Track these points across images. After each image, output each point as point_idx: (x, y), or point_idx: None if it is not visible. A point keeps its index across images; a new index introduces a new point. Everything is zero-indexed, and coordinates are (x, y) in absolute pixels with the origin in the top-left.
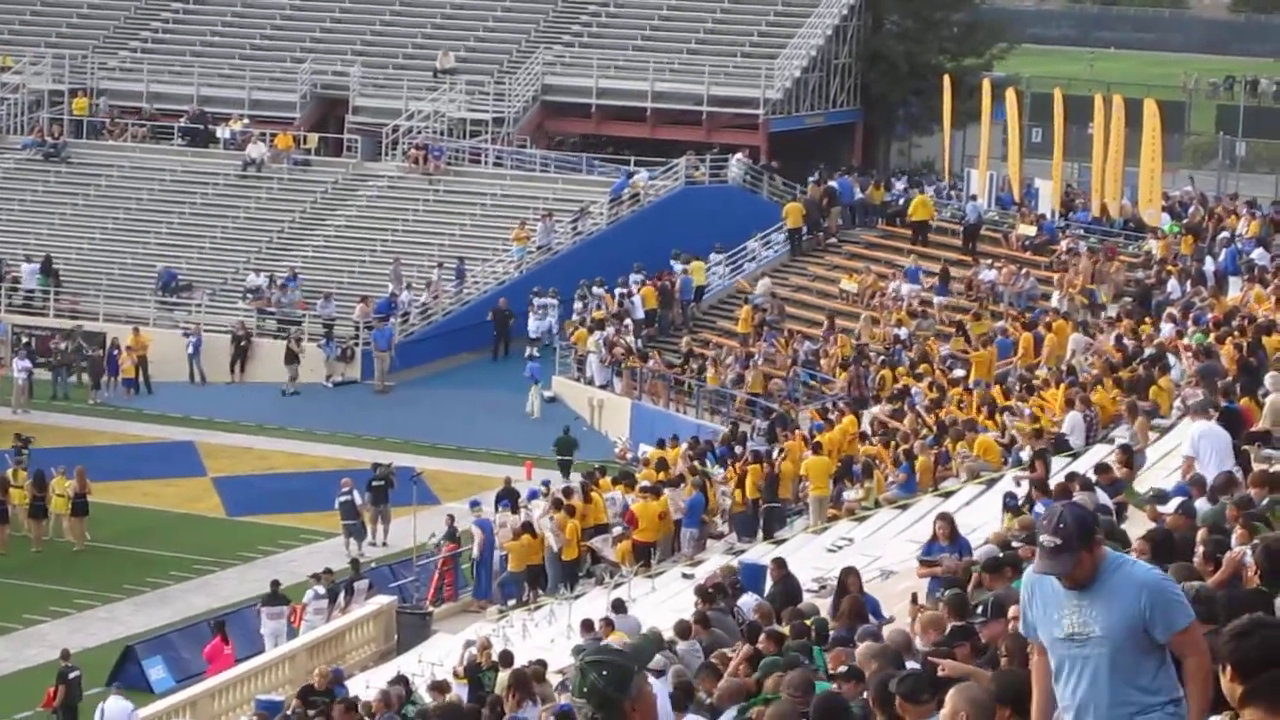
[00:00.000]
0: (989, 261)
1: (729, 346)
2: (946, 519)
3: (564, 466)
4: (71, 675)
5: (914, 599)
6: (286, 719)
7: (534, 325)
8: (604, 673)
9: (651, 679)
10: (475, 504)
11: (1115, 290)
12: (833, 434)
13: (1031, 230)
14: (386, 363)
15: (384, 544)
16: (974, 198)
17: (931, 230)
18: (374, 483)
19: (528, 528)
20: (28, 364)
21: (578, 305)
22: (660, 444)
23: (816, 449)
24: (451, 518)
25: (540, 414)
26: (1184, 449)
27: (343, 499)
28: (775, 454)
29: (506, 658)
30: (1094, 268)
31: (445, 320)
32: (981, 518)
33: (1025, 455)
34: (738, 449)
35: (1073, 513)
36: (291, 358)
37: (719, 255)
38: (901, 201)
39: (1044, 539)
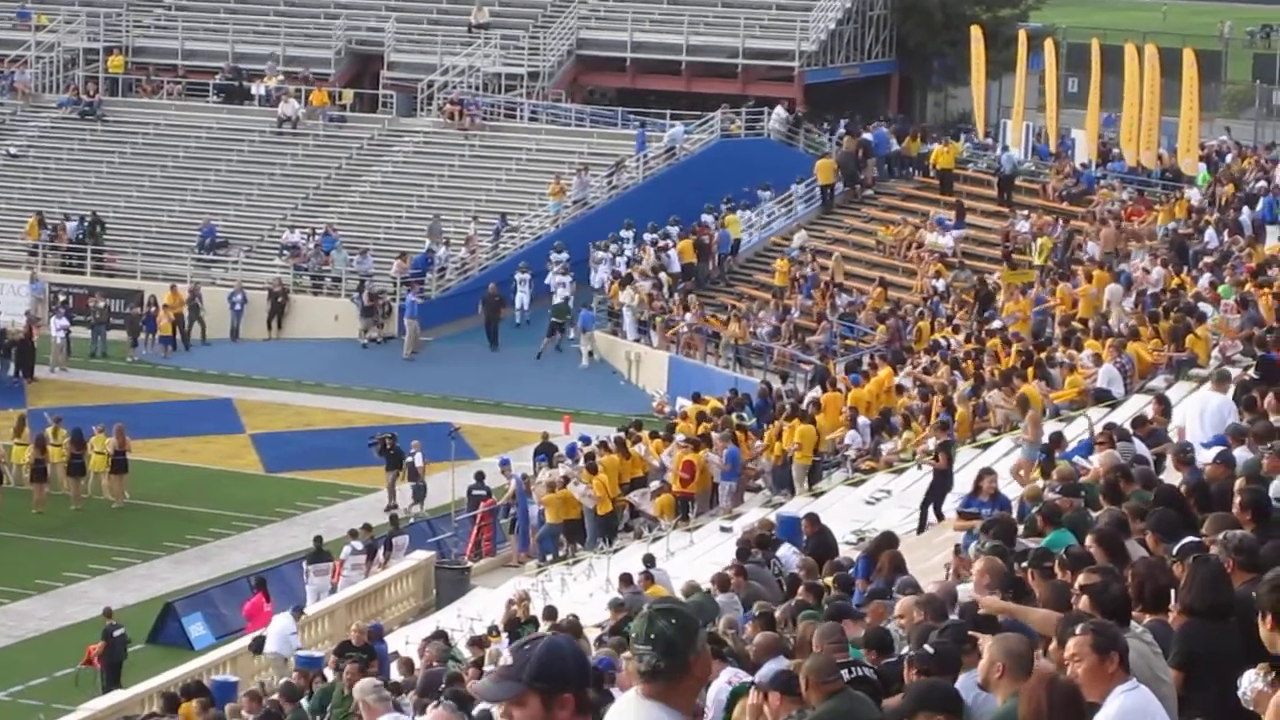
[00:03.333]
0: (1024, 212)
1: (761, 299)
2: (992, 475)
3: (553, 328)
4: (116, 633)
5: (956, 550)
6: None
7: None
8: (673, 621)
9: None
10: (505, 463)
11: (1150, 240)
12: (868, 387)
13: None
14: (415, 329)
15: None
16: (1006, 148)
17: (958, 179)
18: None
19: (566, 482)
20: (65, 322)
21: (597, 255)
22: (696, 398)
23: (805, 417)
24: (480, 474)
25: (588, 364)
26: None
27: (410, 460)
28: (812, 408)
29: (550, 612)
30: (1129, 218)
31: (482, 275)
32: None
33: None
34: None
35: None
36: (368, 311)
37: (753, 207)
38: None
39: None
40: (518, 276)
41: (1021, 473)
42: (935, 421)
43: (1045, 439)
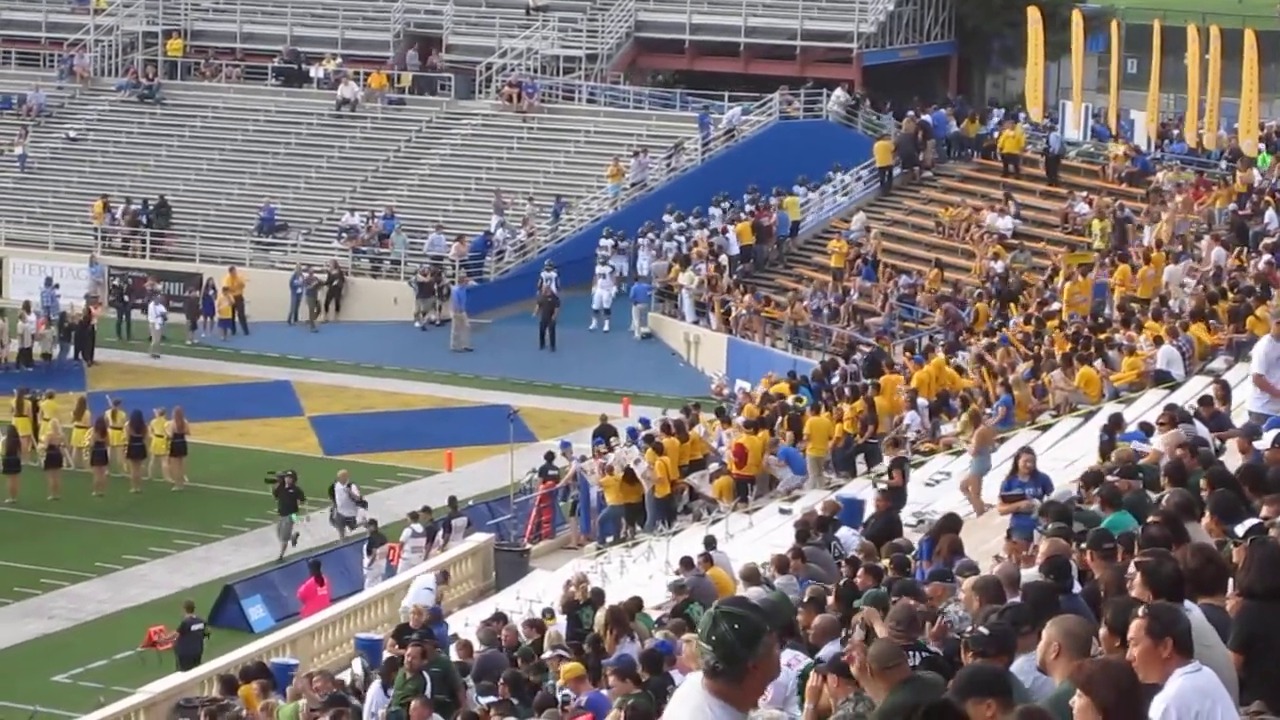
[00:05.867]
0: (1083, 194)
1: (819, 281)
2: (1030, 453)
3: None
4: (194, 627)
5: (1009, 535)
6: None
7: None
8: (735, 626)
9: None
10: (566, 445)
11: (1210, 221)
12: (927, 369)
13: (1121, 149)
14: (465, 322)
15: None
16: (1052, 128)
17: (1022, 163)
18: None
19: (623, 468)
20: (162, 309)
21: (644, 241)
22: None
23: (816, 410)
24: (550, 455)
25: (641, 337)
26: (1253, 365)
27: (341, 487)
28: (870, 389)
29: (598, 596)
30: (1189, 199)
31: (540, 257)
32: (1078, 450)
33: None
34: (833, 384)
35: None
36: (426, 291)
37: (803, 189)
38: (995, 135)
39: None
40: (598, 270)
41: (970, 489)
42: (890, 436)
43: (1105, 419)
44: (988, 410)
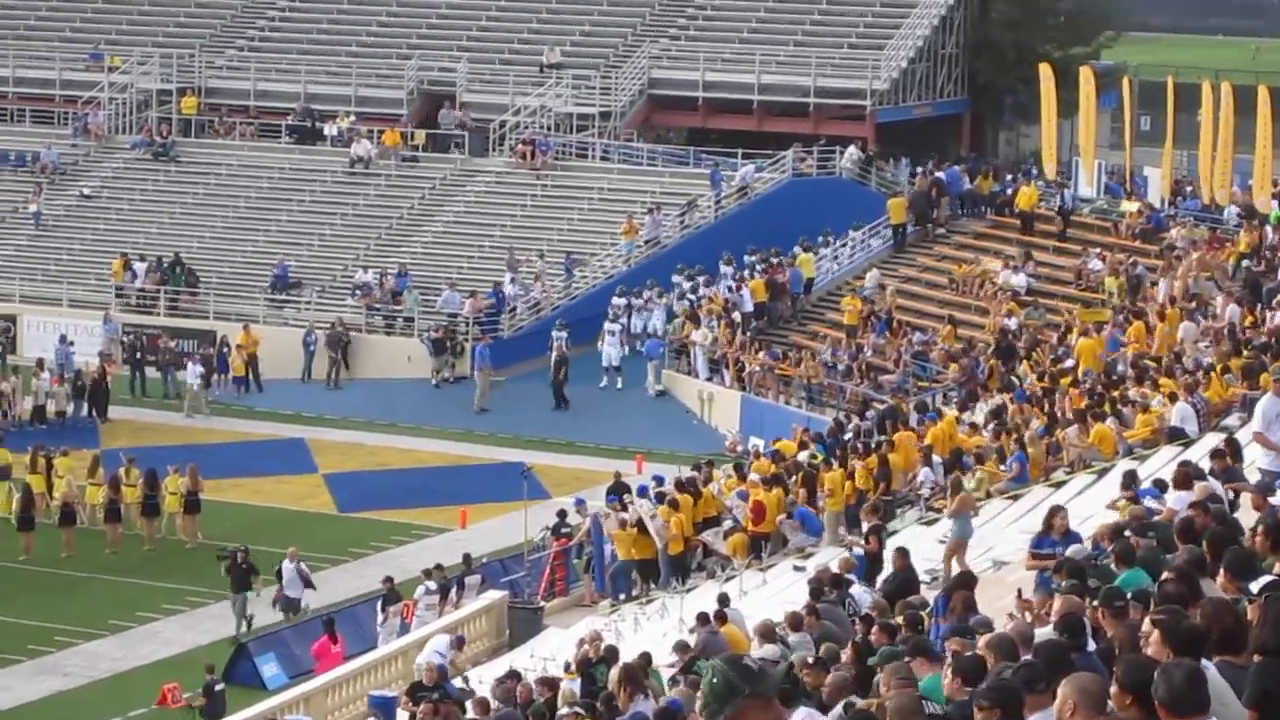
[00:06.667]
0: (1097, 251)
1: (833, 338)
2: (1062, 513)
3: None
4: (217, 688)
5: (1019, 594)
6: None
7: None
8: (714, 681)
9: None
10: (580, 502)
11: (1224, 278)
12: (940, 426)
13: (1135, 206)
14: (487, 382)
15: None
16: (1064, 185)
17: (1035, 220)
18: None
19: (638, 523)
20: (200, 369)
21: (653, 298)
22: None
23: (828, 466)
24: (564, 512)
25: (655, 394)
26: (1253, 423)
27: (291, 567)
28: (884, 446)
29: (612, 654)
30: (1203, 256)
31: (553, 314)
32: (1092, 508)
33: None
34: (846, 440)
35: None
36: (440, 349)
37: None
38: (1010, 192)
39: None
40: (607, 326)
41: (955, 556)
42: (869, 503)
43: (1120, 475)
44: (1001, 467)
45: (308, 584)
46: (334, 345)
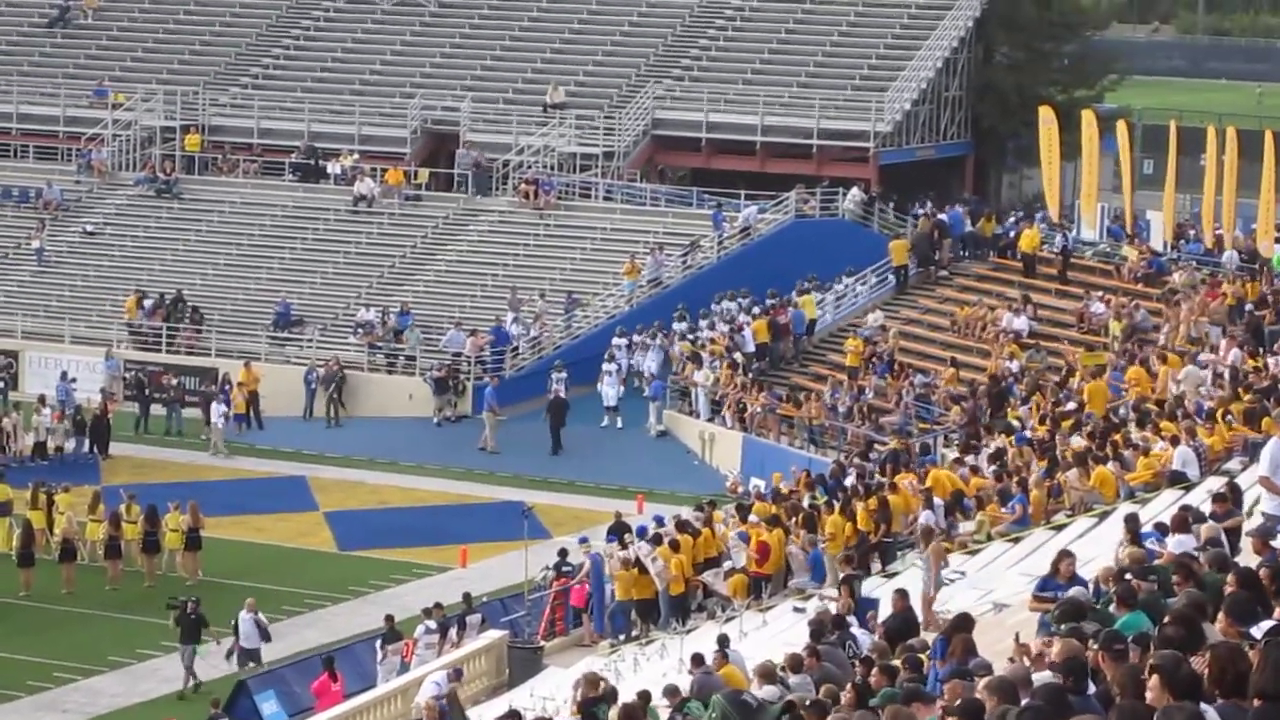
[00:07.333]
0: (1099, 294)
1: (834, 379)
2: (1070, 559)
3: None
4: None
5: (1017, 638)
6: None
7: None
8: (714, 716)
9: None
10: (584, 540)
11: (1224, 323)
12: (941, 469)
13: (1135, 253)
14: (495, 424)
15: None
16: (1063, 228)
17: (1037, 262)
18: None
19: (638, 563)
20: (225, 408)
21: (651, 340)
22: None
23: (830, 508)
24: (564, 551)
25: (656, 434)
26: (1261, 467)
27: (247, 619)
28: (885, 487)
29: (612, 693)
30: (1204, 300)
31: (554, 354)
32: (1093, 551)
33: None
34: (847, 483)
35: None
36: (442, 387)
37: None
38: (1012, 234)
39: None
40: (605, 366)
41: (932, 609)
42: (840, 554)
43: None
44: (1003, 509)
45: (265, 637)
46: (328, 383)
